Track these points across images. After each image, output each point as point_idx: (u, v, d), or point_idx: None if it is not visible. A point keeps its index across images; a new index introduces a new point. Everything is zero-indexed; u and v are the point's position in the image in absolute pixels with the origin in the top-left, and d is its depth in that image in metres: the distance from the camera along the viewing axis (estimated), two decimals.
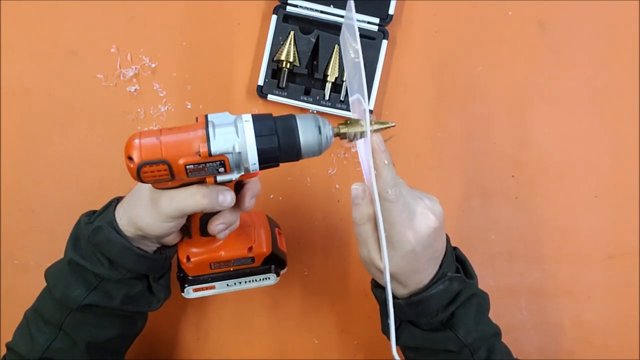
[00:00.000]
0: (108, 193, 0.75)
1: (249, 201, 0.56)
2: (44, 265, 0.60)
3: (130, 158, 0.48)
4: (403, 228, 0.51)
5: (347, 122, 0.53)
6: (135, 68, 0.77)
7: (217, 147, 0.48)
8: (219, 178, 0.51)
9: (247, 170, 0.51)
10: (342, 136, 0.53)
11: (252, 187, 0.56)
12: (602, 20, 0.80)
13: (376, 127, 0.52)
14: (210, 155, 0.48)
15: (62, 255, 0.60)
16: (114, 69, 0.77)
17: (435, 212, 0.53)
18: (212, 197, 0.52)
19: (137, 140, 0.48)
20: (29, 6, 0.77)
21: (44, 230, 0.76)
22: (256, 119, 0.50)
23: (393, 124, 0.53)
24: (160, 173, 0.49)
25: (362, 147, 0.55)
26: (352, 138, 0.53)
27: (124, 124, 0.77)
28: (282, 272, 0.66)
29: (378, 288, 0.59)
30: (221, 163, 0.49)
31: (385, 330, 0.62)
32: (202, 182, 0.52)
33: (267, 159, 0.50)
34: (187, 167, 0.49)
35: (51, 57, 0.77)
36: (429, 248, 0.53)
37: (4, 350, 0.61)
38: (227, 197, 0.53)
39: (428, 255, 0.54)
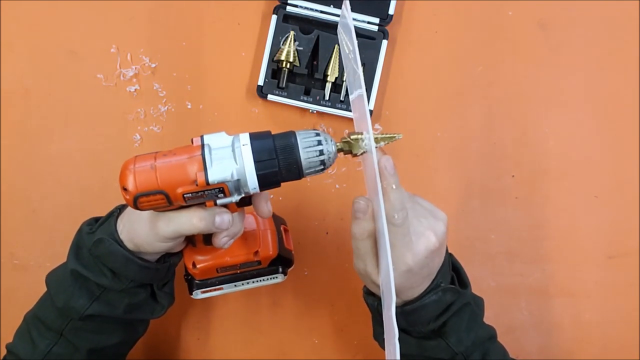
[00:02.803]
0: (108, 193, 0.75)
1: (265, 206, 0.55)
2: (44, 265, 0.60)
3: (125, 189, 0.47)
4: (403, 250, 0.51)
5: (351, 135, 0.51)
6: (135, 68, 0.77)
7: (214, 176, 0.47)
8: (219, 202, 0.50)
9: (247, 193, 0.50)
10: (345, 152, 0.51)
11: (261, 193, 0.55)
12: (602, 20, 0.80)
13: (382, 142, 0.51)
14: (207, 184, 0.47)
15: (62, 256, 0.60)
16: (114, 69, 0.77)
17: (437, 232, 0.52)
18: (209, 220, 0.51)
19: (131, 168, 0.47)
20: (29, 6, 0.77)
21: (44, 230, 0.76)
22: (254, 140, 0.48)
23: (400, 136, 0.51)
24: (158, 202, 0.48)
25: (367, 162, 0.52)
26: (357, 153, 0.51)
27: (124, 124, 0.77)
28: (289, 269, 0.65)
29: (370, 295, 0.58)
30: (220, 190, 0.48)
31: (377, 337, 0.62)
32: (202, 204, 0.51)
33: (268, 183, 0.49)
34: (185, 195, 0.48)
35: (51, 57, 0.77)
36: (425, 267, 0.52)
37: (3, 350, 0.61)
38: (225, 219, 0.52)
39: (424, 274, 0.53)
